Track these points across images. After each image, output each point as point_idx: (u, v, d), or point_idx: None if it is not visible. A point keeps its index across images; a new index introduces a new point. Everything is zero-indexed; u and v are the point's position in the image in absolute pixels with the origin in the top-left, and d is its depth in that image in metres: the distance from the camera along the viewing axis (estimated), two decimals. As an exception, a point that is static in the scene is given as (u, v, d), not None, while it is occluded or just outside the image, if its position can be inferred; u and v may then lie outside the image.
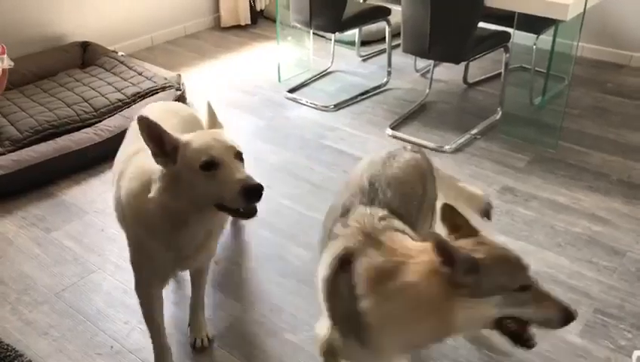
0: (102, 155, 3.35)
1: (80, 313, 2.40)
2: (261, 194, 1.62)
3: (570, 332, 2.26)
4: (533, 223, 2.90)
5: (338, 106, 4.06)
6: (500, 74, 3.92)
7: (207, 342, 2.25)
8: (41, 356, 2.19)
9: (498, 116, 3.84)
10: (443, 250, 1.34)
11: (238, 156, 1.70)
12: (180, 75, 4.10)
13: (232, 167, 1.64)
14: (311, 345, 2.24)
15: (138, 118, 1.68)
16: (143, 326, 2.31)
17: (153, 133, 1.67)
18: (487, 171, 3.32)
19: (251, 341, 2.27)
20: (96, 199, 3.11)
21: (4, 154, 3.21)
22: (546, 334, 2.24)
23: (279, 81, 4.44)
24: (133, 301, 2.44)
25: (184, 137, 1.71)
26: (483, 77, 4.41)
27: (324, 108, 4.04)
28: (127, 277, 2.59)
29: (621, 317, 2.34)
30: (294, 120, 3.92)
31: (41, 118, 3.45)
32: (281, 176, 3.28)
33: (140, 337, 2.29)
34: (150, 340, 2.14)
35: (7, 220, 2.95)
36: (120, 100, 3.72)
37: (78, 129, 3.46)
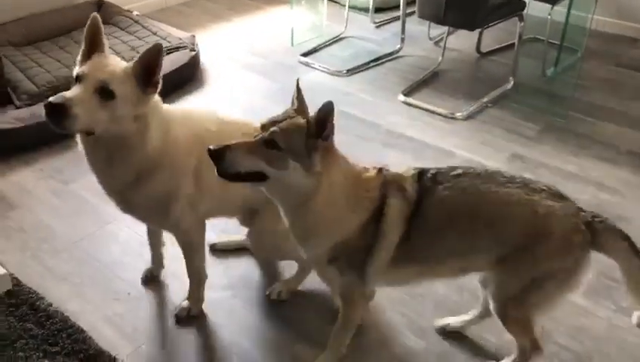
0: (118, 112, 3.40)
1: (98, 261, 2.48)
2: (50, 108, 1.61)
3: (575, 294, 2.33)
4: (542, 190, 2.94)
5: (351, 71, 4.08)
6: (512, 44, 3.93)
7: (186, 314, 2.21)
8: (61, 300, 2.27)
9: (510, 85, 3.86)
10: None
11: (100, 88, 1.66)
12: (194, 36, 4.12)
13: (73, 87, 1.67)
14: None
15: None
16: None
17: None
18: (497, 139, 3.36)
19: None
20: (113, 154, 3.16)
21: (21, 107, 3.27)
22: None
23: (292, 45, 4.45)
24: (149, 251, 2.53)
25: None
26: (496, 47, 4.41)
27: (337, 73, 4.07)
28: (143, 228, 2.64)
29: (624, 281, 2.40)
30: (307, 84, 3.87)
31: (57, 74, 3.49)
32: (294, 138, 3.32)
33: (156, 285, 2.36)
34: (167, 288, 2.29)
35: (26, 172, 3.01)
36: (135, 59, 3.75)
37: (94, 85, 3.50)
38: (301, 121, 1.56)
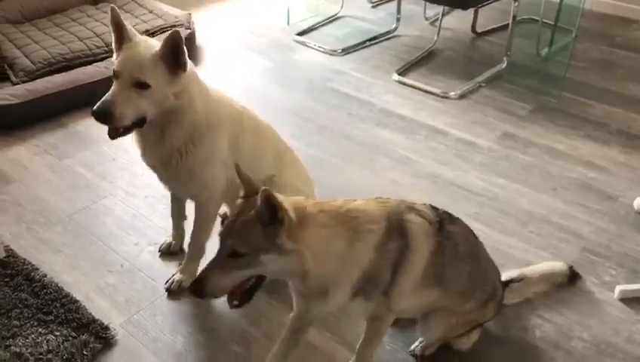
0: (113, 89, 3.42)
1: (92, 234, 2.52)
2: (98, 115, 1.81)
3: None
4: (531, 168, 2.98)
5: (346, 51, 4.10)
6: (507, 25, 3.93)
7: (177, 287, 2.26)
8: (55, 271, 2.32)
9: (504, 65, 3.88)
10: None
11: (135, 83, 1.82)
12: (190, 14, 4.13)
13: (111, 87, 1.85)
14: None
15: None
16: (153, 248, 2.46)
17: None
18: (489, 118, 3.38)
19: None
20: (108, 130, 3.20)
21: (18, 84, 3.30)
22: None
23: (288, 24, 4.46)
24: (143, 224, 2.58)
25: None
26: (491, 27, 4.42)
27: (332, 52, 4.08)
28: (137, 203, 2.71)
29: (607, 256, 2.45)
30: (302, 63, 3.97)
31: (54, 51, 3.51)
32: (288, 116, 3.35)
33: (149, 257, 2.41)
34: (159, 261, 2.36)
35: (22, 147, 3.05)
36: (131, 36, 3.77)
37: (90, 63, 3.53)
38: (250, 215, 1.45)
